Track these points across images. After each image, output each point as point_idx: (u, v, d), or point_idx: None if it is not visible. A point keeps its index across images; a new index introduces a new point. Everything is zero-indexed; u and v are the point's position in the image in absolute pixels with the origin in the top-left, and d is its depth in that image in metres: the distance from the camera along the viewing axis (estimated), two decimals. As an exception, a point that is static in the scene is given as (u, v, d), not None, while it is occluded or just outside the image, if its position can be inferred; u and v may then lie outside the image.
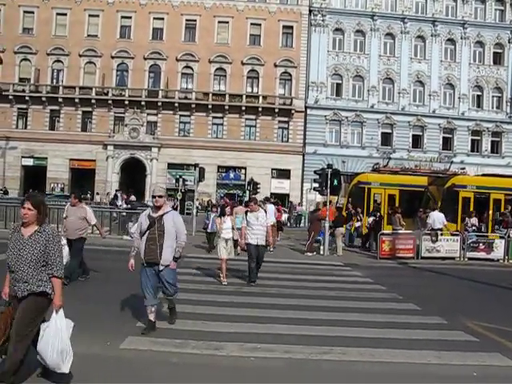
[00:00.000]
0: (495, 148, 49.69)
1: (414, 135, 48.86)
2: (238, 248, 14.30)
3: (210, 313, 8.87)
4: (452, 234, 20.85)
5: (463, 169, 40.16)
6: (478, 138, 49.52)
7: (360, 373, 6.32)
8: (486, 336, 8.36)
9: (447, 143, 49.22)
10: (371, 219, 23.10)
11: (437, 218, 20.24)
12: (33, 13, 47.21)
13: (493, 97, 49.97)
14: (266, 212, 13.50)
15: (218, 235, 18.17)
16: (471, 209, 25.76)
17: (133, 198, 35.44)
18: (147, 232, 7.58)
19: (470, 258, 20.01)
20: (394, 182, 30.48)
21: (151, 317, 7.61)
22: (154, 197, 7.71)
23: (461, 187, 27.52)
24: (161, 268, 7.54)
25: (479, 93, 49.86)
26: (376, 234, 21.32)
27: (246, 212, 13.04)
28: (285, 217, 34.40)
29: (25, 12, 47.26)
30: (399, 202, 28.61)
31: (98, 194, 44.90)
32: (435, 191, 28.67)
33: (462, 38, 49.19)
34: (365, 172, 35.41)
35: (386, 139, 48.57)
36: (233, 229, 12.83)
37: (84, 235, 11.71)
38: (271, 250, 18.41)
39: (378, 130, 48.34)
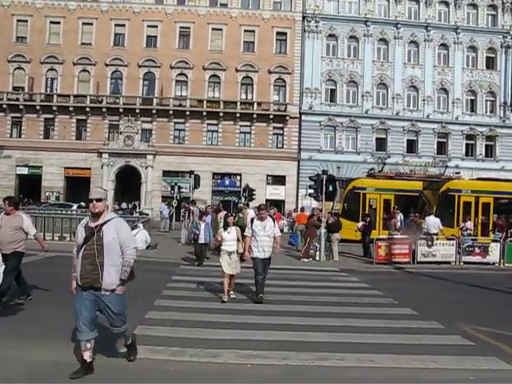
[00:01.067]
0: (489, 152, 49.86)
1: (408, 140, 48.98)
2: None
3: (206, 320, 8.85)
4: (448, 239, 20.85)
5: (458, 173, 40.20)
6: (473, 142, 49.70)
7: (358, 378, 6.30)
8: (483, 340, 8.35)
9: (442, 148, 49.35)
10: (361, 224, 23.13)
11: (432, 222, 20.27)
12: (26, 21, 47.21)
13: (486, 101, 50.18)
14: (274, 220, 11.79)
15: (210, 247, 17.38)
16: (467, 213, 25.83)
17: (124, 205, 35.49)
18: (83, 247, 5.93)
19: (465, 262, 20.00)
20: (389, 187, 30.57)
21: (86, 355, 5.93)
22: (91, 200, 6.01)
23: (456, 191, 27.59)
24: (103, 293, 5.90)
25: (473, 97, 50.07)
26: (364, 239, 21.73)
27: (252, 220, 11.69)
28: (282, 223, 34.36)
29: (18, 21, 47.24)
30: (394, 206, 28.63)
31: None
32: (430, 196, 28.73)
33: (455, 43, 49.44)
34: (360, 177, 35.48)
35: (381, 144, 48.69)
36: (238, 240, 11.50)
37: (21, 249, 9.61)
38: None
39: (372, 136, 48.46)
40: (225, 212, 18.11)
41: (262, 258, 10.99)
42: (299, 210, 22.26)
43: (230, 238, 11.38)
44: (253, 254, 11.01)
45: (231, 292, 11.28)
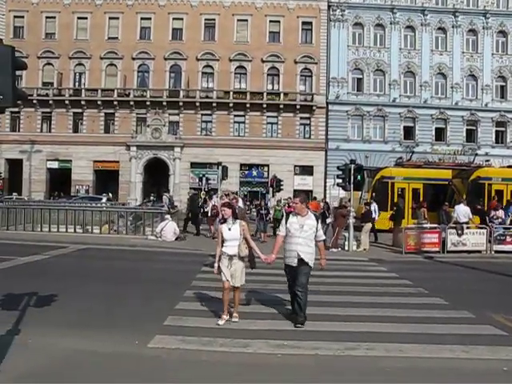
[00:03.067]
0: (520, 139, 48.99)
1: (436, 128, 48.37)
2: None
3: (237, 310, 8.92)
4: (478, 227, 20.60)
5: (488, 161, 39.62)
6: (503, 129, 48.86)
7: (388, 368, 6.30)
8: (515, 330, 8.27)
9: (471, 135, 48.63)
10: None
11: (462, 211, 20.04)
12: (54, 18, 47.81)
13: (517, 87, 49.22)
14: (317, 219, 8.74)
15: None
16: (497, 201, 25.44)
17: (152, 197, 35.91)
18: None
19: (496, 251, 19.75)
20: (417, 176, 30.30)
21: None
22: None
23: (486, 179, 27.19)
24: None
25: (503, 83, 49.15)
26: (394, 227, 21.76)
27: (288, 215, 9.09)
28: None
29: (47, 17, 47.88)
30: (423, 195, 28.41)
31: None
32: (460, 184, 28.38)
33: (483, 28, 48.53)
34: (388, 166, 35.20)
35: (409, 133, 48.19)
36: (247, 241, 8.58)
37: None
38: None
39: (400, 124, 48.00)
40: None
41: (294, 265, 8.32)
42: (346, 200, 22.21)
43: (230, 235, 8.33)
44: (286, 260, 8.52)
45: (234, 314, 8.35)
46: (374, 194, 29.89)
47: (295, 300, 8.38)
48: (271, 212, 24.46)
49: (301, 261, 8.26)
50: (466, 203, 21.35)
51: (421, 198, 27.22)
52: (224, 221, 8.61)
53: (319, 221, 8.84)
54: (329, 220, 21.76)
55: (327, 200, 28.77)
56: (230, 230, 8.39)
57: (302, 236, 8.29)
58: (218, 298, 8.77)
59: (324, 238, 8.94)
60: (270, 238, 20.27)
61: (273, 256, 8.47)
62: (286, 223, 8.53)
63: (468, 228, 20.02)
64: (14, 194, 42.07)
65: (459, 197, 26.09)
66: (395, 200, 28.32)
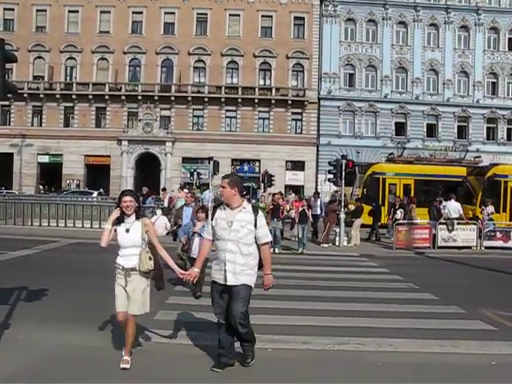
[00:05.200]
0: (511, 135, 49.14)
1: (428, 124, 48.51)
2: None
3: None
4: (469, 223, 20.69)
5: (479, 157, 39.78)
6: (494, 125, 49.03)
7: (378, 363, 6.32)
8: (504, 325, 8.33)
9: (462, 132, 48.79)
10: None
11: (453, 207, 20.13)
12: (45, 11, 47.47)
13: (508, 83, 49.33)
14: (258, 212, 5.90)
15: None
16: None
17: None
18: None
19: (487, 247, 19.87)
20: (408, 171, 30.48)
21: None
22: None
23: (502, 177, 27.25)
24: None
25: (494, 80, 49.33)
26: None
27: (215, 208, 6.04)
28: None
29: (37, 10, 47.54)
30: (414, 191, 28.53)
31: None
32: (475, 181, 28.26)
33: (475, 25, 48.62)
34: (379, 162, 35.30)
35: (400, 129, 48.32)
36: (151, 248, 5.96)
37: None
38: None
39: (391, 120, 48.11)
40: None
41: (223, 283, 5.68)
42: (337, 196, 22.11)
43: (128, 240, 5.87)
44: (211, 274, 5.88)
45: (125, 357, 5.82)
46: (364, 190, 29.99)
47: (228, 339, 5.86)
48: None
49: (234, 277, 5.63)
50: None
51: (412, 194, 27.31)
52: (121, 219, 5.93)
53: (265, 216, 6.36)
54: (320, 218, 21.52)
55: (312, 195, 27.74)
56: (127, 231, 5.84)
57: (232, 238, 5.62)
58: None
59: (269, 239, 5.94)
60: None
61: (195, 270, 5.91)
62: (211, 220, 5.87)
63: (459, 224, 20.13)
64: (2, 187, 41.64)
65: (475, 194, 26.21)
66: (386, 195, 28.44)
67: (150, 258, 5.82)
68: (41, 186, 46.09)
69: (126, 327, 5.86)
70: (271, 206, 18.56)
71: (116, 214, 5.92)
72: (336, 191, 28.86)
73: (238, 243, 5.62)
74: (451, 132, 48.39)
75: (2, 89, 5.63)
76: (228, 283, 5.62)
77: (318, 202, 23.12)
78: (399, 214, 22.08)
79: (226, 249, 5.62)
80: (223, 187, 5.71)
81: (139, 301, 5.83)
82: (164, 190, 28.30)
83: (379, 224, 23.16)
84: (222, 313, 5.76)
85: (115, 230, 5.89)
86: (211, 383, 5.54)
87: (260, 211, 5.84)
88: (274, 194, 20.40)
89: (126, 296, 5.82)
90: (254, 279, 5.78)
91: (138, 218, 5.91)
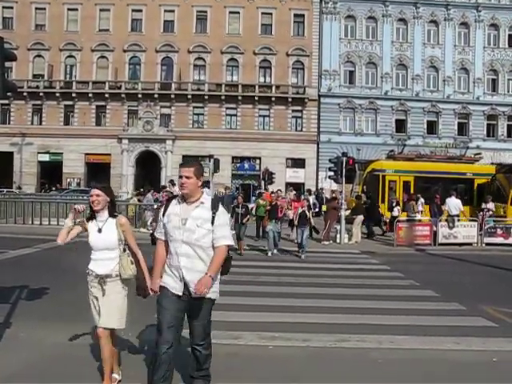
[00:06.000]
0: (511, 132, 49.12)
1: (428, 121, 48.46)
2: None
3: (228, 303, 8.89)
4: (470, 220, 20.72)
5: (479, 154, 39.75)
6: (494, 122, 48.97)
7: (379, 360, 6.32)
8: (505, 321, 8.33)
9: (462, 128, 48.75)
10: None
11: (453, 203, 20.14)
12: (44, 9, 47.39)
13: (508, 80, 49.25)
14: (216, 206, 4.75)
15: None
16: None
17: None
18: None
19: (487, 244, 19.88)
20: (408, 168, 30.41)
21: None
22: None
23: None
24: None
25: (494, 76, 49.25)
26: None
27: (167, 202, 4.96)
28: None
29: (37, 9, 47.45)
30: (414, 188, 28.50)
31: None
32: (504, 179, 28.11)
33: (475, 22, 48.55)
34: (379, 159, 35.29)
35: (401, 126, 48.26)
36: (125, 251, 5.17)
37: None
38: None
39: (392, 117, 48.04)
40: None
41: (178, 294, 4.68)
42: (338, 193, 22.06)
43: (100, 241, 5.11)
44: (162, 279, 4.79)
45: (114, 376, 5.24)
46: (364, 187, 29.96)
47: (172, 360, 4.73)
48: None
49: (191, 289, 4.60)
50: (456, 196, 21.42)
51: (411, 191, 27.30)
52: (92, 216, 5.18)
53: (223, 212, 4.80)
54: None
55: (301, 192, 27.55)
56: (100, 231, 5.09)
57: (186, 240, 4.61)
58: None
59: (228, 242, 4.74)
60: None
61: (157, 281, 4.81)
62: (163, 217, 4.80)
63: (459, 221, 20.15)
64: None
65: (504, 192, 26.19)
66: (386, 193, 28.46)
67: (132, 262, 5.08)
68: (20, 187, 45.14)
69: (101, 348, 5.03)
70: (268, 207, 17.88)
71: (75, 209, 5.24)
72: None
73: (194, 246, 4.60)
74: (451, 129, 48.35)
75: (2, 87, 5.61)
76: (185, 293, 4.63)
77: (311, 200, 23.18)
78: (396, 211, 22.14)
79: (180, 252, 4.61)
80: (187, 177, 4.64)
81: (114, 314, 5.00)
82: (164, 187, 28.20)
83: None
84: (171, 330, 4.62)
85: (86, 230, 5.15)
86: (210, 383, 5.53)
87: (220, 207, 4.73)
88: (271, 193, 19.95)
89: (98, 308, 5.05)
90: (217, 289, 4.81)
91: (112, 216, 5.12)
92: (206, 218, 4.63)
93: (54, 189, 41.91)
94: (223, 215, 4.77)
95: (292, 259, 15.23)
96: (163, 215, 4.76)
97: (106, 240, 5.04)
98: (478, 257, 17.03)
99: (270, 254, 16.30)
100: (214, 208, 4.68)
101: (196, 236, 4.60)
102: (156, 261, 4.88)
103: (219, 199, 5.61)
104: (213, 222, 4.63)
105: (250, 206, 20.63)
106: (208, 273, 4.54)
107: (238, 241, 15.93)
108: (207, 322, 4.84)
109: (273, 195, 18.34)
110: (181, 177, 4.67)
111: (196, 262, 4.62)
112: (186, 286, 4.62)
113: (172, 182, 25.46)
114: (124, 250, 5.08)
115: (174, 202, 4.80)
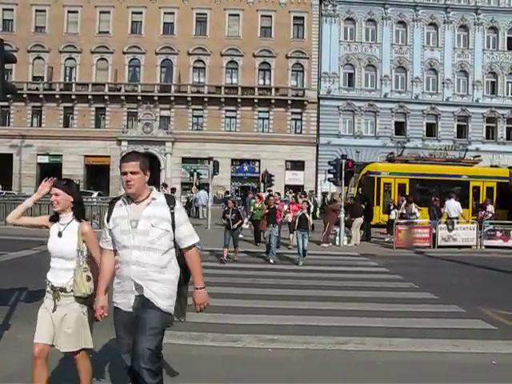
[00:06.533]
0: (510, 135, 49.15)
1: (428, 124, 48.55)
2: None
3: (227, 305, 8.89)
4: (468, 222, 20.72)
5: (478, 156, 39.79)
6: (493, 125, 49.05)
7: (378, 362, 6.32)
8: (505, 324, 8.32)
9: (462, 131, 48.83)
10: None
11: (453, 206, 20.13)
12: (44, 11, 47.50)
13: (507, 83, 49.39)
14: (172, 203, 4.09)
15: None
16: None
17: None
18: None
19: (487, 246, 19.86)
20: (404, 171, 30.40)
21: None
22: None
23: None
24: None
25: (493, 79, 49.34)
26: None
27: (111, 205, 4.25)
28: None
29: (37, 11, 47.55)
30: (410, 191, 28.44)
31: None
32: None
33: (475, 24, 48.65)
34: (374, 162, 35.40)
35: (400, 128, 48.34)
36: (89, 261, 4.40)
37: None
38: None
39: (391, 120, 48.13)
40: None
41: (128, 310, 4.02)
42: (337, 196, 22.09)
43: (58, 247, 4.41)
44: (113, 298, 4.12)
45: None
46: (359, 189, 29.95)
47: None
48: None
49: (144, 301, 3.96)
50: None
51: (407, 193, 27.27)
52: (56, 216, 4.49)
53: (181, 207, 4.21)
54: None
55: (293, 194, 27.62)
56: (60, 235, 4.38)
57: (138, 245, 3.94)
58: (211, 292, 8.72)
59: (195, 240, 4.15)
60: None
61: (101, 299, 4.10)
62: (107, 222, 4.13)
63: (458, 223, 20.14)
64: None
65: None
66: (381, 195, 28.57)
67: (89, 279, 4.28)
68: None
69: (77, 363, 4.46)
70: (266, 210, 16.85)
71: (42, 187, 4.57)
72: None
73: (147, 251, 3.92)
74: (451, 131, 48.42)
75: (2, 89, 5.62)
76: (135, 305, 3.97)
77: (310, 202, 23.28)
78: (394, 214, 22.13)
79: (131, 260, 3.92)
80: (133, 173, 4.05)
81: (71, 334, 4.27)
82: (165, 185, 27.97)
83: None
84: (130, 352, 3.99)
85: (47, 228, 4.49)
86: (210, 383, 5.53)
87: (177, 202, 4.12)
88: (268, 196, 19.52)
89: (52, 324, 4.31)
90: (173, 302, 4.12)
91: (77, 219, 4.41)
92: (161, 215, 3.97)
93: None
94: (182, 211, 4.14)
95: (291, 262, 15.21)
96: (107, 220, 4.08)
97: (62, 247, 4.31)
98: (477, 259, 17.01)
99: (272, 260, 15.09)
100: (171, 203, 4.05)
101: (150, 238, 3.92)
102: (101, 275, 4.13)
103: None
104: (173, 220, 4.00)
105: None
106: (197, 286, 4.16)
107: (235, 247, 15.26)
108: (156, 340, 3.91)
109: (271, 198, 17.73)
110: (125, 173, 4.08)
111: (149, 270, 3.92)
112: (138, 296, 3.96)
113: (164, 185, 25.43)
114: (80, 264, 4.28)
115: (118, 203, 4.11)
